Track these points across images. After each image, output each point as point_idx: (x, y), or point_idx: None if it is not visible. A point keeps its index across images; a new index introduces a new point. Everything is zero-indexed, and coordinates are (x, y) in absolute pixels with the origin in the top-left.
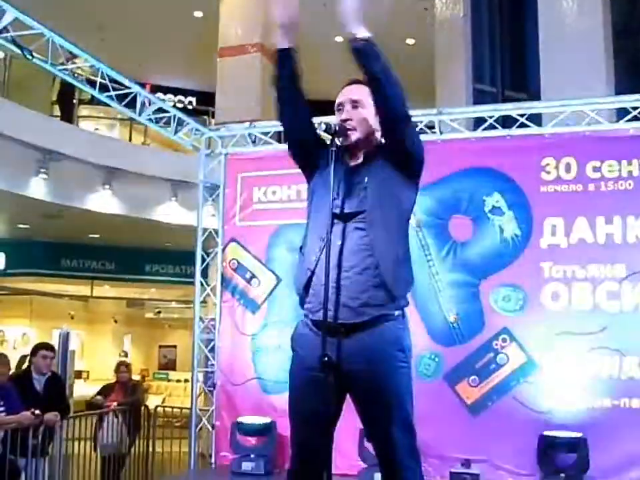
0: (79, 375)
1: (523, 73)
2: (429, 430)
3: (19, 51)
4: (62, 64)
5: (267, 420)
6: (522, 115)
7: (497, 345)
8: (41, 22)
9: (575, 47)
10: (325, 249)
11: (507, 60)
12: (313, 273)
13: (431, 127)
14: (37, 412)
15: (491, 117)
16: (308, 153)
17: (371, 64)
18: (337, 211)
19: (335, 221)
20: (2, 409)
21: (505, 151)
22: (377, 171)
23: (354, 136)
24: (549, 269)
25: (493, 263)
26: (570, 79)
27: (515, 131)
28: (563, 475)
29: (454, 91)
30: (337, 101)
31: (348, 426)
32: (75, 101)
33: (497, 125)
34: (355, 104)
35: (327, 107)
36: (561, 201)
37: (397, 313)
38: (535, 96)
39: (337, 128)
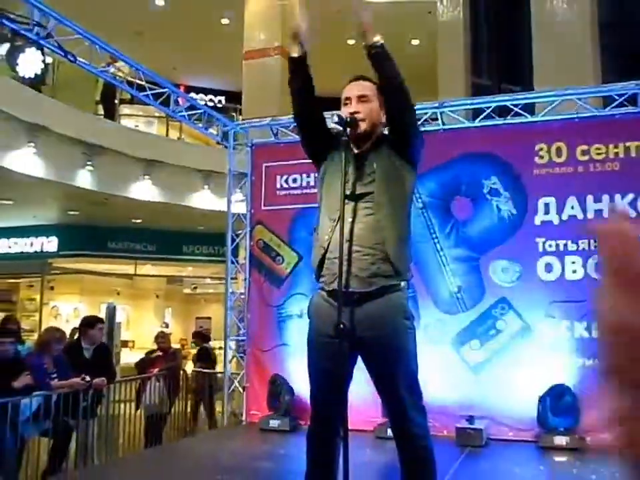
0: (125, 344)
1: (516, 67)
2: (436, 389)
3: (61, 53)
4: (103, 67)
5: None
6: (516, 105)
7: (496, 312)
8: (83, 28)
9: (564, 41)
10: (337, 226)
11: (503, 55)
12: (326, 249)
13: (434, 118)
14: (87, 377)
15: (488, 108)
16: (318, 143)
17: (387, 66)
18: (348, 192)
19: (346, 201)
20: (54, 375)
21: (502, 139)
22: (384, 157)
23: (363, 126)
24: (543, 244)
25: (492, 239)
26: (560, 70)
27: (510, 120)
28: (561, 429)
29: (454, 85)
30: (344, 95)
31: (368, 384)
32: (116, 101)
33: (494, 115)
34: (362, 98)
35: (334, 103)
36: (553, 182)
37: (402, 284)
38: (529, 87)
39: (348, 119)
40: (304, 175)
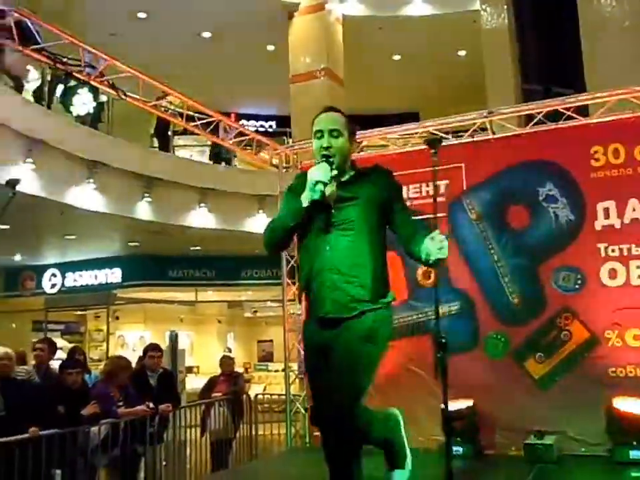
0: (190, 370)
1: (567, 70)
2: (502, 405)
3: (112, 92)
4: (155, 101)
5: None
6: (568, 109)
7: (559, 322)
8: (133, 65)
9: (615, 39)
10: (319, 255)
11: (552, 58)
12: (308, 279)
13: (483, 128)
14: (151, 405)
15: (539, 113)
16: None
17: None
18: (329, 221)
19: (327, 229)
20: (122, 403)
21: (555, 144)
22: (365, 189)
23: (335, 161)
24: (605, 249)
25: (551, 247)
26: (612, 69)
27: (563, 124)
28: (634, 442)
29: (504, 93)
30: (316, 128)
31: (428, 403)
32: (170, 132)
33: (546, 120)
34: (334, 133)
35: (384, 120)
36: (611, 185)
37: (378, 306)
38: (581, 90)
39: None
40: None
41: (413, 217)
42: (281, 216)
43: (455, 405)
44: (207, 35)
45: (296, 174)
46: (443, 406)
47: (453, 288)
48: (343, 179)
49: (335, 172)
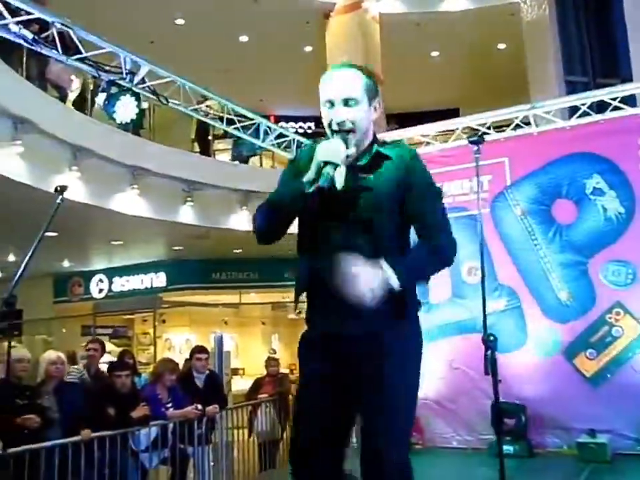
0: (235, 372)
1: (612, 60)
2: (553, 403)
3: (153, 97)
4: (195, 106)
5: None
6: (614, 99)
7: (610, 318)
8: (173, 71)
9: None
10: (323, 259)
11: (596, 49)
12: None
13: (527, 122)
14: (199, 406)
15: (583, 105)
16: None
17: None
18: (339, 215)
19: (335, 226)
20: (170, 405)
21: (601, 135)
22: (386, 176)
23: (352, 139)
24: None
25: (599, 241)
26: None
27: (608, 115)
28: None
29: (547, 86)
30: (325, 97)
31: (477, 402)
32: (210, 137)
33: (591, 112)
34: (350, 102)
35: (423, 117)
36: None
37: (403, 320)
38: (627, 80)
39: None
40: None
41: (428, 219)
42: (274, 197)
43: (504, 404)
44: (244, 38)
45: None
46: (492, 404)
47: (499, 284)
48: (360, 162)
49: (351, 150)
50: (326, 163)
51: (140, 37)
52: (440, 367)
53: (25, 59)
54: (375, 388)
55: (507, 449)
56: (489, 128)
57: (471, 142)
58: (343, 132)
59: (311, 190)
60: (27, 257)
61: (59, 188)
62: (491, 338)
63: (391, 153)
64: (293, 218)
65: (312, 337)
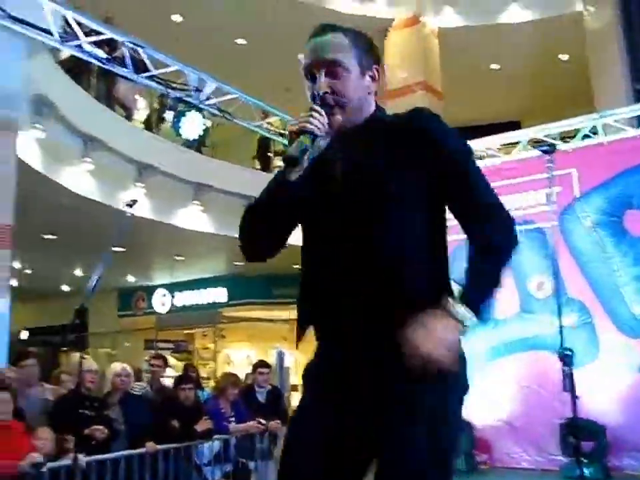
0: (295, 388)
1: None
2: (631, 423)
3: (218, 113)
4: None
5: None
6: None
7: None
8: (238, 88)
9: None
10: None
11: None
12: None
13: (594, 132)
14: (262, 421)
15: None
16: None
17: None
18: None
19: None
20: (233, 419)
21: None
22: (400, 157)
23: (338, 117)
24: None
25: None
26: None
27: None
28: None
29: (613, 95)
30: (305, 63)
31: (547, 421)
32: (271, 154)
33: None
34: (333, 67)
35: (484, 130)
36: None
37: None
38: None
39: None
40: None
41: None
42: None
43: (582, 422)
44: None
45: None
46: (566, 423)
47: (569, 298)
48: (357, 140)
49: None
50: (300, 132)
51: (202, 56)
52: (507, 384)
53: (93, 78)
54: (391, 453)
55: (582, 471)
56: (554, 139)
57: (542, 152)
58: (326, 107)
59: (281, 166)
60: (100, 269)
61: (129, 202)
62: (568, 353)
63: (406, 123)
64: (272, 218)
65: (317, 372)
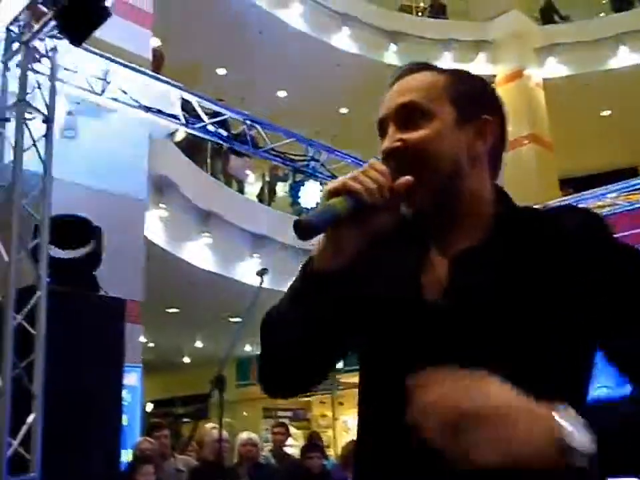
0: None
1: None
2: None
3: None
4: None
5: None
6: None
7: None
8: (352, 155)
9: None
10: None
11: None
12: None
13: None
14: None
15: None
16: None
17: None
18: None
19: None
20: None
21: None
22: (533, 271)
23: (408, 178)
24: None
25: None
26: None
27: None
28: None
29: None
30: (379, 115)
31: None
32: None
33: None
34: (407, 112)
35: (599, 180)
36: None
37: None
38: None
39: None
40: None
41: None
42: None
43: None
44: None
45: None
46: None
47: None
48: (464, 242)
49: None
50: (339, 192)
51: (307, 126)
52: None
53: (209, 157)
54: None
55: None
56: None
57: None
58: (392, 162)
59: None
60: (236, 338)
61: (260, 271)
62: None
63: (544, 222)
64: (310, 339)
65: None
